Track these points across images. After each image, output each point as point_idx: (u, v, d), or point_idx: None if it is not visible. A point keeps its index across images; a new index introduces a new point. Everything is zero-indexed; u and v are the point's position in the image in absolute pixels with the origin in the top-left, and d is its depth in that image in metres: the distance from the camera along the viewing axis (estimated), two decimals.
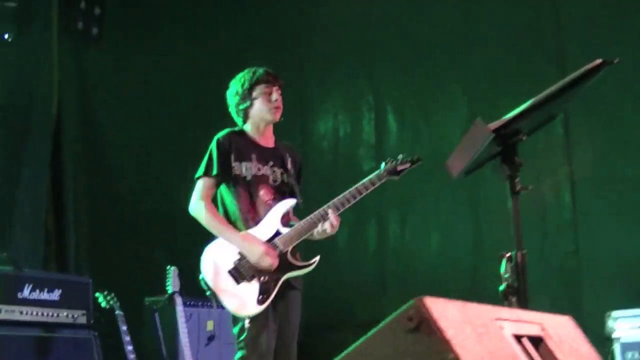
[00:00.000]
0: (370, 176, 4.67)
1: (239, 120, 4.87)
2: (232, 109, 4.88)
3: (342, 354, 2.07)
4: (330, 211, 4.56)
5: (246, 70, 4.83)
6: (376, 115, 7.43)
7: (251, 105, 4.76)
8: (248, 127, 4.84)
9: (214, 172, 4.67)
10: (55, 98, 8.32)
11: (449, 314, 2.04)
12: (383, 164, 4.72)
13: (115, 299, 6.00)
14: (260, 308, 4.46)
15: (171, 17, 8.46)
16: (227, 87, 4.91)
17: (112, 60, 8.36)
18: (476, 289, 6.45)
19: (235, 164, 4.69)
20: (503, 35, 6.91)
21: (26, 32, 7.82)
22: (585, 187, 6.34)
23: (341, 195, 4.60)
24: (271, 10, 8.06)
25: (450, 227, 7.00)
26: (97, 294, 6.05)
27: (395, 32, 7.40)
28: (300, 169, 4.96)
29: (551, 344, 2.46)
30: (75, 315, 6.04)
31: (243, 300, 4.49)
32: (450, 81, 7.12)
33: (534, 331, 2.45)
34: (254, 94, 4.75)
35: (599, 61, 2.87)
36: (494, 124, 3.10)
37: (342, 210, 4.58)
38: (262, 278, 4.50)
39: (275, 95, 4.74)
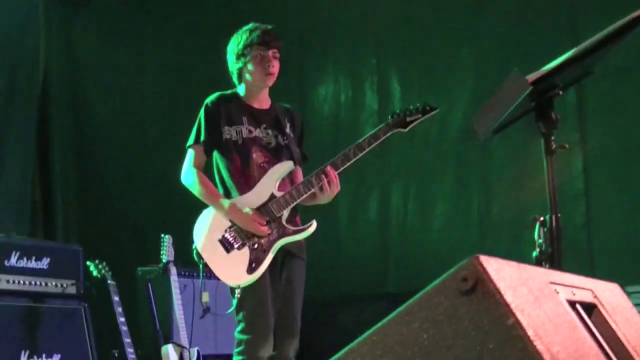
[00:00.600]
0: (374, 130, 4.46)
1: (235, 79, 4.69)
2: (229, 67, 4.70)
3: (391, 315, 1.85)
4: (327, 168, 4.35)
5: (247, 26, 4.62)
6: (379, 80, 7.22)
7: (244, 66, 4.57)
8: (241, 89, 4.67)
9: (202, 138, 4.52)
10: (42, 65, 8.20)
11: (506, 275, 1.83)
12: (390, 117, 4.48)
13: (107, 268, 5.79)
14: (250, 277, 4.30)
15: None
16: (221, 55, 4.75)
17: (101, 29, 8.20)
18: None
19: (225, 128, 4.52)
20: (514, 3, 6.68)
21: None
22: (598, 158, 6.16)
23: (341, 153, 4.39)
24: None
25: (456, 198, 6.80)
26: (88, 263, 5.84)
27: None
28: (302, 131, 4.78)
29: (604, 312, 2.27)
30: (65, 285, 5.84)
31: (233, 269, 4.36)
32: (459, 47, 6.88)
33: (587, 298, 2.25)
34: (248, 55, 4.54)
35: None
36: (531, 76, 2.87)
37: (342, 168, 4.37)
38: (253, 245, 4.35)
39: (270, 59, 4.50)
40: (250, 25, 4.59)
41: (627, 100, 6.13)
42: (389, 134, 4.42)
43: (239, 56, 4.57)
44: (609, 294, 2.41)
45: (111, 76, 8.30)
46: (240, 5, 7.69)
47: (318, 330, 5.97)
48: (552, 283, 2.06)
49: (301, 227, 4.42)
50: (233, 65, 4.63)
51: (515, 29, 6.61)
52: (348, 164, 4.37)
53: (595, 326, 2.17)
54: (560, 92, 2.96)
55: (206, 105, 4.57)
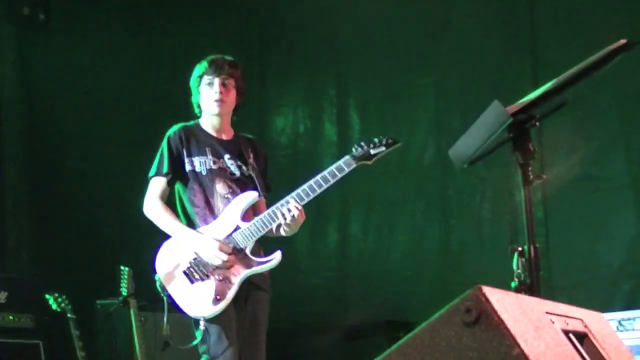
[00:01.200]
0: (339, 162, 4.36)
1: (196, 111, 4.67)
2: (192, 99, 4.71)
3: (394, 347, 1.84)
4: (291, 200, 4.29)
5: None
6: (338, 110, 7.24)
7: (199, 97, 4.57)
8: (202, 120, 4.64)
9: (165, 170, 4.46)
10: None
11: (508, 306, 1.84)
12: (354, 149, 4.42)
13: (67, 301, 5.67)
14: (215, 308, 4.24)
15: (123, 3, 8.14)
16: (180, 79, 4.76)
17: (59, 48, 8.05)
18: (444, 291, 6.29)
19: (188, 160, 4.48)
20: (474, 26, 6.74)
21: None
22: (556, 188, 6.23)
23: (305, 185, 4.32)
24: None
25: (416, 227, 6.82)
26: (47, 296, 5.71)
27: (360, 23, 7.19)
28: (266, 162, 4.75)
29: (594, 341, 2.29)
30: (22, 319, 5.69)
31: (197, 301, 4.28)
32: (418, 75, 6.91)
33: (579, 327, 2.27)
34: (200, 86, 4.55)
35: (623, 41, 2.69)
36: (512, 107, 2.89)
37: (305, 200, 4.30)
38: (218, 277, 4.29)
39: (217, 86, 4.49)
40: (205, 58, 4.60)
41: (584, 130, 6.22)
42: (353, 166, 4.36)
43: (194, 87, 4.58)
44: (596, 323, 2.43)
45: (68, 98, 8.18)
46: (200, 31, 7.65)
47: None
48: (547, 313, 2.07)
49: (266, 259, 4.35)
50: (193, 97, 4.62)
51: (474, 54, 6.66)
52: (313, 195, 4.31)
53: (589, 355, 2.19)
54: (537, 123, 2.99)
55: (168, 136, 4.53)
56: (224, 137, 4.62)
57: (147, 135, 5.17)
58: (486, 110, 2.94)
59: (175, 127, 4.57)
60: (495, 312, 1.77)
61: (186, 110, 4.73)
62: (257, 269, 4.33)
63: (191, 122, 4.63)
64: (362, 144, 4.45)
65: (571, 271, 6.11)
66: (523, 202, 3.04)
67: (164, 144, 4.52)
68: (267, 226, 4.31)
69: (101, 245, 7.73)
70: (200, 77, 4.53)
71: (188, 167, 4.46)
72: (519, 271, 2.99)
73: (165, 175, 4.46)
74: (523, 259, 3.00)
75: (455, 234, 6.61)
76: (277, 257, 4.33)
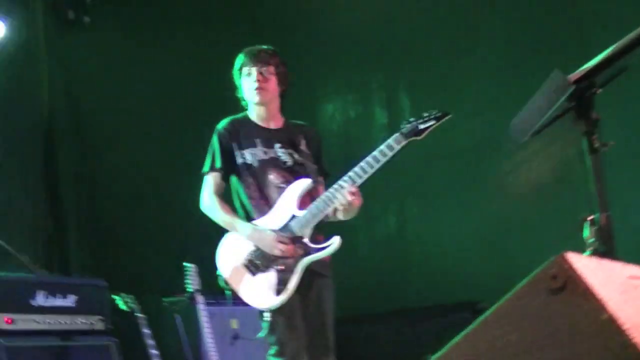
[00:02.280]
0: (388, 140, 4.32)
1: (243, 104, 4.72)
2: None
3: (477, 322, 1.83)
4: (345, 184, 4.28)
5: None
6: (387, 94, 7.21)
7: (241, 88, 4.62)
8: (250, 111, 4.67)
9: (217, 165, 4.54)
10: (44, 94, 8.13)
11: (594, 271, 1.82)
12: (402, 125, 4.36)
13: (134, 301, 5.74)
14: (279, 299, 4.28)
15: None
16: (223, 75, 4.76)
17: (104, 50, 8.13)
18: (510, 268, 6.22)
19: (238, 153, 4.53)
20: (520, 4, 6.66)
21: (14, 21, 7.54)
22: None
23: (356, 167, 4.30)
24: None
25: (475, 206, 6.75)
26: (114, 297, 5.79)
27: (410, 6, 7.16)
28: (319, 147, 4.73)
29: None
30: (93, 321, 5.77)
31: (261, 293, 4.34)
32: (466, 54, 6.86)
33: None
34: (241, 77, 4.61)
35: None
36: (573, 75, 2.86)
37: (359, 182, 4.28)
38: (279, 267, 4.32)
39: (254, 75, 4.52)
40: (245, 48, 4.64)
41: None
42: (403, 144, 4.30)
43: (237, 80, 4.63)
44: None
45: (118, 99, 8.28)
46: (245, 24, 7.67)
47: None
48: (630, 277, 2.05)
49: (324, 245, 4.34)
50: (237, 91, 4.67)
51: (523, 30, 6.59)
52: (365, 177, 4.28)
53: None
54: (598, 91, 2.96)
55: (217, 131, 4.59)
56: (273, 126, 4.65)
57: (197, 131, 5.19)
58: (546, 80, 2.92)
59: (224, 121, 4.62)
60: (581, 277, 1.75)
61: (231, 104, 4.73)
62: (316, 256, 4.34)
63: (239, 115, 4.67)
64: (411, 119, 4.39)
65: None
66: (591, 171, 3.01)
67: (214, 139, 4.58)
68: (322, 211, 4.31)
69: (162, 244, 7.80)
70: (240, 69, 4.59)
71: (239, 160, 4.51)
72: (592, 240, 2.97)
73: (219, 170, 4.54)
74: (594, 228, 2.97)
75: (516, 211, 6.53)
76: (335, 242, 4.32)
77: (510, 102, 5.96)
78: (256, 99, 4.55)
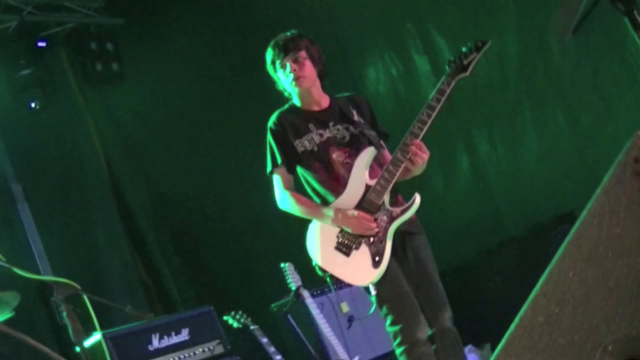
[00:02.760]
0: (438, 85, 4.29)
1: (285, 94, 4.69)
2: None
3: (576, 224, 1.79)
4: (408, 140, 4.24)
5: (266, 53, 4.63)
6: (422, 41, 7.11)
7: (281, 82, 4.59)
8: (295, 100, 4.64)
9: (279, 161, 4.51)
10: (98, 146, 8.32)
11: None
12: (447, 66, 4.32)
13: (244, 315, 5.80)
14: (378, 270, 4.23)
15: (187, 27, 8.26)
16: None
17: (140, 88, 8.24)
18: (592, 170, 6.11)
19: (296, 142, 4.49)
20: None
21: (49, 94, 7.77)
22: None
23: (415, 120, 4.26)
24: None
25: (541, 128, 6.59)
26: (225, 318, 5.85)
27: None
28: (371, 111, 4.70)
29: None
30: (212, 347, 5.85)
31: (360, 270, 4.29)
32: None
33: None
34: (277, 70, 4.56)
35: None
36: None
37: (421, 134, 4.23)
38: (369, 240, 4.28)
39: (289, 66, 4.49)
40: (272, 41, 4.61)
41: None
42: (453, 84, 4.26)
43: (273, 75, 4.60)
44: None
45: (161, 134, 8.39)
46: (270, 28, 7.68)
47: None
48: None
49: (407, 205, 4.32)
50: (277, 85, 4.65)
51: None
52: (426, 127, 4.23)
53: None
54: None
55: (270, 128, 4.57)
56: (321, 107, 4.61)
57: (253, 134, 5.21)
58: None
59: (273, 117, 4.60)
60: None
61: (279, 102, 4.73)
62: (401, 218, 4.29)
63: (285, 106, 4.65)
64: (453, 58, 4.33)
65: None
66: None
67: (269, 136, 4.56)
68: (394, 174, 4.26)
69: (250, 254, 7.88)
70: (273, 63, 4.55)
71: (300, 149, 4.48)
72: None
73: (282, 165, 4.51)
74: None
75: (582, 116, 6.38)
76: (416, 199, 4.29)
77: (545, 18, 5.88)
78: (297, 88, 4.52)
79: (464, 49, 4.35)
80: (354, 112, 4.60)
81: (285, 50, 4.51)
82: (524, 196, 6.73)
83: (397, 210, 4.31)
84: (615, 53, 5.91)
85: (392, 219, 4.30)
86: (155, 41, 8.36)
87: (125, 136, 8.62)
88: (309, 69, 4.53)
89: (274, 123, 4.57)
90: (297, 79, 4.49)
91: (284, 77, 4.54)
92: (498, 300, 6.21)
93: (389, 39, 7.36)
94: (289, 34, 4.59)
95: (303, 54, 4.52)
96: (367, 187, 4.33)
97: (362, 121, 4.57)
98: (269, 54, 4.58)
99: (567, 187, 6.40)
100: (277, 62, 4.53)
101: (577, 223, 1.82)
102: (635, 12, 2.90)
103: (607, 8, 2.92)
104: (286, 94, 4.65)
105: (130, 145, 8.62)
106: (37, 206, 7.74)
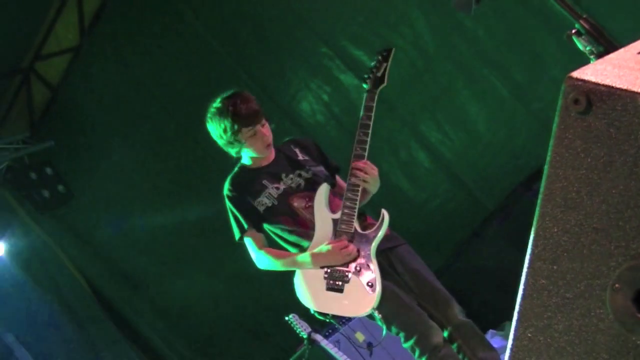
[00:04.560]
0: (363, 103, 4.41)
1: (233, 155, 4.64)
2: (221, 146, 4.64)
3: (545, 171, 1.78)
4: (355, 164, 4.31)
5: (219, 108, 4.48)
6: (340, 58, 7.17)
7: (242, 148, 4.53)
8: (245, 159, 4.62)
9: (246, 226, 4.48)
10: (76, 273, 8.28)
11: (603, 72, 1.78)
12: (364, 84, 4.46)
13: None
14: (376, 293, 4.20)
15: (116, 135, 8.28)
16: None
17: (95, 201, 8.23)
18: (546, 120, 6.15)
19: (255, 202, 4.48)
20: None
21: (9, 237, 7.75)
22: None
23: (355, 142, 4.33)
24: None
25: (481, 96, 6.68)
26: None
27: None
28: (316, 147, 4.74)
29: None
30: None
31: (359, 300, 4.26)
32: None
33: None
34: (241, 140, 4.47)
35: None
36: None
37: (365, 153, 4.31)
38: (356, 269, 4.27)
39: (261, 133, 4.46)
40: (221, 105, 4.48)
41: None
42: (376, 97, 4.40)
43: (231, 141, 4.50)
44: None
45: (135, 240, 8.37)
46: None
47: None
48: (638, 54, 2.01)
49: (378, 224, 4.33)
50: (226, 147, 4.58)
51: None
52: (367, 145, 4.31)
53: None
54: None
55: (226, 196, 4.54)
56: (270, 160, 4.60)
57: None
58: None
59: (226, 184, 4.57)
60: (600, 84, 1.72)
61: None
62: (377, 238, 4.30)
63: (235, 169, 4.62)
64: (367, 75, 4.48)
65: None
66: None
67: (228, 204, 4.54)
68: (355, 200, 4.30)
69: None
70: (238, 132, 4.44)
71: (261, 208, 4.47)
72: (588, 47, 2.94)
73: (250, 229, 4.48)
74: (583, 36, 2.95)
75: (516, 75, 6.45)
76: (384, 216, 4.32)
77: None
78: (268, 152, 4.54)
79: (372, 64, 4.51)
80: (298, 152, 4.64)
81: (254, 118, 4.43)
82: (489, 169, 6.81)
83: (371, 232, 4.31)
84: (521, 4, 6.01)
85: (369, 242, 4.29)
86: (90, 152, 8.34)
87: (100, 248, 8.55)
88: (268, 128, 4.55)
89: (229, 190, 4.54)
90: (269, 144, 4.51)
91: (253, 144, 4.49)
92: (500, 277, 6.22)
93: (309, 69, 7.40)
94: (249, 103, 4.48)
95: (264, 117, 4.51)
96: (335, 221, 4.33)
97: (307, 158, 4.61)
98: (228, 123, 4.44)
99: (526, 146, 6.47)
100: (244, 130, 4.42)
101: (544, 179, 1.83)
102: None
103: None
104: (236, 155, 4.64)
105: (109, 259, 8.56)
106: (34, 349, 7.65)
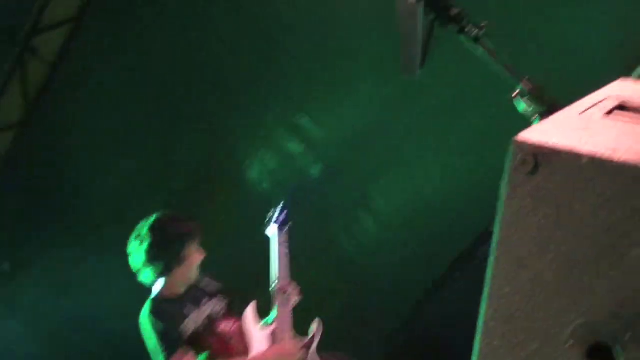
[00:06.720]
0: (270, 240, 4.67)
1: (147, 278, 4.55)
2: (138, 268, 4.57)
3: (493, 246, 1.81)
4: (282, 290, 4.54)
5: (154, 230, 4.50)
6: (284, 127, 7.18)
7: (180, 270, 4.54)
8: (163, 286, 4.53)
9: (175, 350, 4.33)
10: None
11: (548, 132, 1.82)
12: (266, 233, 4.73)
13: None
14: None
15: None
16: None
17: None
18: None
19: (180, 329, 4.38)
20: None
21: None
22: None
23: (273, 277, 4.51)
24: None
25: (417, 160, 6.75)
26: None
27: None
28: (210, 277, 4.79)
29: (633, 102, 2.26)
30: None
31: None
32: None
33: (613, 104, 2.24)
34: (186, 257, 4.53)
35: None
36: None
37: (289, 273, 4.53)
38: None
39: (195, 257, 4.58)
40: (158, 226, 4.54)
41: None
42: (286, 235, 4.67)
43: (166, 268, 4.49)
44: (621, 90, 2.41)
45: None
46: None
47: None
48: (580, 113, 2.07)
49: (312, 333, 4.56)
50: (162, 274, 4.52)
51: None
52: (289, 265, 4.55)
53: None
54: None
55: (151, 326, 4.35)
56: (187, 286, 4.63)
57: None
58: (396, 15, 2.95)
59: (149, 316, 4.38)
60: (545, 146, 1.75)
61: None
62: (314, 345, 4.51)
63: (153, 296, 4.52)
64: (267, 218, 4.83)
65: None
66: (488, 57, 3.05)
67: (153, 335, 4.35)
68: (287, 319, 4.47)
69: None
70: (185, 249, 4.49)
71: (188, 334, 4.41)
72: (531, 108, 2.99)
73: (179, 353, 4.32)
74: (525, 97, 3.00)
75: (452, 140, 6.53)
76: (315, 326, 4.57)
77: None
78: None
79: (268, 216, 4.86)
80: (208, 286, 4.72)
81: (199, 232, 4.52)
82: (437, 231, 6.83)
83: (308, 339, 4.52)
84: (466, 70, 6.14)
85: (308, 348, 4.48)
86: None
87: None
88: None
89: (152, 322, 4.35)
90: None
91: (195, 262, 4.50)
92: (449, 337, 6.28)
93: (256, 141, 7.36)
94: (184, 220, 4.60)
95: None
96: (273, 332, 4.41)
97: (219, 286, 4.75)
98: (179, 240, 4.47)
99: (473, 207, 6.54)
100: (193, 246, 4.51)
101: (494, 239, 1.84)
102: (466, 28, 3.01)
103: (442, 33, 3.04)
104: (155, 281, 4.53)
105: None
106: None
